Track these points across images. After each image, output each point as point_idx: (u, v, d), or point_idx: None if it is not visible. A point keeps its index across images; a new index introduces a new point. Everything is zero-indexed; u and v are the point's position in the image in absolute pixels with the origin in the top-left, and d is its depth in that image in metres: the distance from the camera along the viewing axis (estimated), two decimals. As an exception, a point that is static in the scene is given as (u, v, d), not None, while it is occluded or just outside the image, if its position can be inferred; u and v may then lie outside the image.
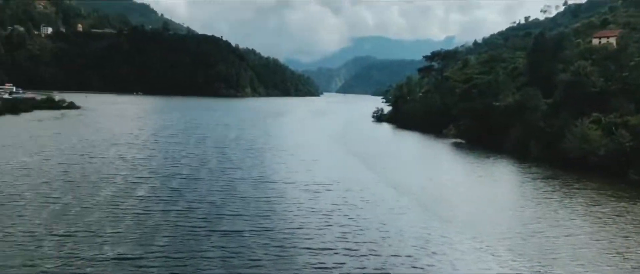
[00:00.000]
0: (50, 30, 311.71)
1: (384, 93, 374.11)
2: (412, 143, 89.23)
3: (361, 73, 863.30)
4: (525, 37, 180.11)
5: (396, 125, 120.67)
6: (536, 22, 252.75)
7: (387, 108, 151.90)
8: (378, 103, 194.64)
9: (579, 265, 26.69)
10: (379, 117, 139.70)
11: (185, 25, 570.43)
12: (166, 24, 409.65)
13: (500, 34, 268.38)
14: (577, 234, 32.14)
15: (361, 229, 31.39)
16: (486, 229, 32.65)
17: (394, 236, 30.38)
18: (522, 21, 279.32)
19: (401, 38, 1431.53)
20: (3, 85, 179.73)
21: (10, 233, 27.20)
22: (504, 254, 27.98)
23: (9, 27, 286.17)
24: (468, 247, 29.14)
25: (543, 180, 51.23)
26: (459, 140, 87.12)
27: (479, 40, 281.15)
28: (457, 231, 32.00)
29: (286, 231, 30.36)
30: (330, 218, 33.58)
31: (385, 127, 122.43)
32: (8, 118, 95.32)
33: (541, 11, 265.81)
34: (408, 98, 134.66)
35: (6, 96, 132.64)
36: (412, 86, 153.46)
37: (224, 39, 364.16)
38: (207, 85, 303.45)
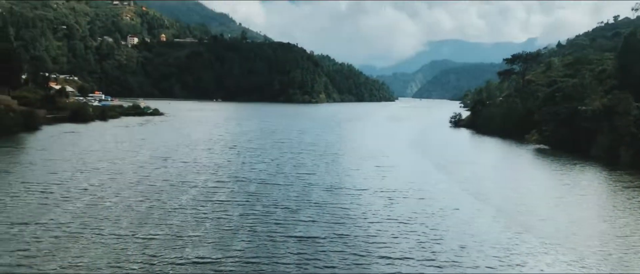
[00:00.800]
0: (136, 40, 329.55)
1: (462, 98, 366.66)
2: (492, 149, 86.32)
3: (438, 78, 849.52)
4: (614, 37, 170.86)
5: (475, 131, 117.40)
6: (626, 22, 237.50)
7: (465, 113, 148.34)
8: (456, 108, 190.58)
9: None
10: (457, 122, 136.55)
11: (262, 33, 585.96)
12: (244, 33, 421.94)
13: (586, 34, 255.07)
14: (678, 249, 29.65)
15: (439, 239, 30.47)
16: (575, 241, 30.74)
17: (473, 246, 29.24)
18: (611, 21, 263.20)
19: (480, 41, 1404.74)
20: (93, 93, 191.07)
21: (98, 234, 28.54)
22: (595, 268, 26.23)
23: (99, 38, 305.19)
24: (554, 259, 27.53)
25: (637, 189, 47.86)
26: (542, 146, 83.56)
27: (563, 41, 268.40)
28: (542, 242, 30.36)
29: (362, 238, 29.98)
30: (406, 226, 32.86)
31: (464, 132, 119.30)
32: (97, 124, 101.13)
33: (632, 10, 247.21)
34: (487, 102, 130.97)
35: (96, 103, 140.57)
36: (492, 90, 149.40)
37: (299, 45, 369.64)
38: (282, 91, 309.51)
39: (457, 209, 38.29)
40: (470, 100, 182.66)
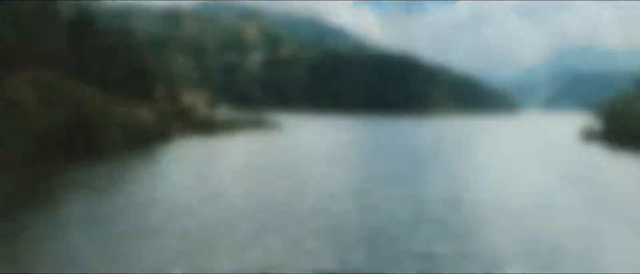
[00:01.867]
0: (258, 56, 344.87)
1: (594, 109, 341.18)
2: (630, 165, 78.60)
3: (566, 88, 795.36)
4: None
5: (610, 145, 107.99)
6: None
7: (598, 126, 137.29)
8: (587, 119, 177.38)
9: None
10: (589, 136, 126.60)
11: (377, 46, 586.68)
12: (360, 45, 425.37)
13: None
14: None
15: (572, 262, 27.77)
16: None
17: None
18: None
19: (614, 47, 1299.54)
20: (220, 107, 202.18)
21: (219, 243, 29.40)
22: None
23: (225, 55, 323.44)
24: None
25: None
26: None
27: None
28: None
29: (485, 257, 28.03)
30: (533, 245, 30.32)
31: (596, 146, 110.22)
32: (223, 136, 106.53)
33: None
34: (624, 114, 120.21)
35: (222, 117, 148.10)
36: (629, 100, 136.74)
37: (415, 57, 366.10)
38: (398, 103, 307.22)
39: (591, 230, 34.85)
40: (604, 112, 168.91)
